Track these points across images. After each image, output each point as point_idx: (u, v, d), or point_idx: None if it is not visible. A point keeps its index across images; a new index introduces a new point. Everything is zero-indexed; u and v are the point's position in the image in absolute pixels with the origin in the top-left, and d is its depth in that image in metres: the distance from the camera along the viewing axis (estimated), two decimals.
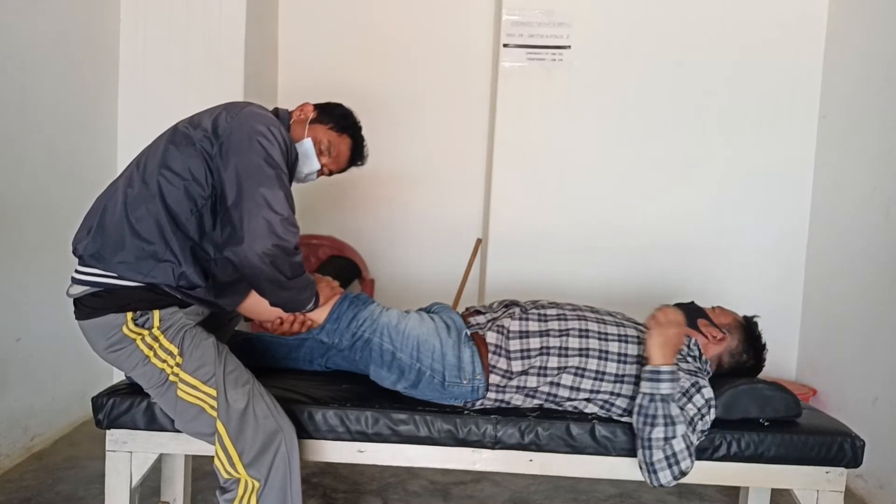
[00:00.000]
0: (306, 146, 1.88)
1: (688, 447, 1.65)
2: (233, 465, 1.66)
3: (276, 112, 1.89)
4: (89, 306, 1.68)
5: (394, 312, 1.91)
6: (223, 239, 1.68)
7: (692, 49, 3.48)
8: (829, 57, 3.39)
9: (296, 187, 1.81)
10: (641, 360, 1.81)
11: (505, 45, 3.52)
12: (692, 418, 1.70)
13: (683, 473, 1.65)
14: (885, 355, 2.68)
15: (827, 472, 1.81)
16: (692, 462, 1.65)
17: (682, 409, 1.70)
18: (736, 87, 3.47)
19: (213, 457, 1.69)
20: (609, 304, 2.29)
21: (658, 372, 1.68)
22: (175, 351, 1.69)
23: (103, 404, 1.80)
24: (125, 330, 1.67)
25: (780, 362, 3.41)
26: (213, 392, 1.68)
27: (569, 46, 3.49)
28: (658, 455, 1.64)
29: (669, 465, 1.63)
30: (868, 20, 3.07)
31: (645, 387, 1.69)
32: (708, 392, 1.74)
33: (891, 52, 2.84)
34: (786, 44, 3.44)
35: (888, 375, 2.65)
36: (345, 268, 3.70)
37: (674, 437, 1.63)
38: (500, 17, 3.56)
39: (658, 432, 1.64)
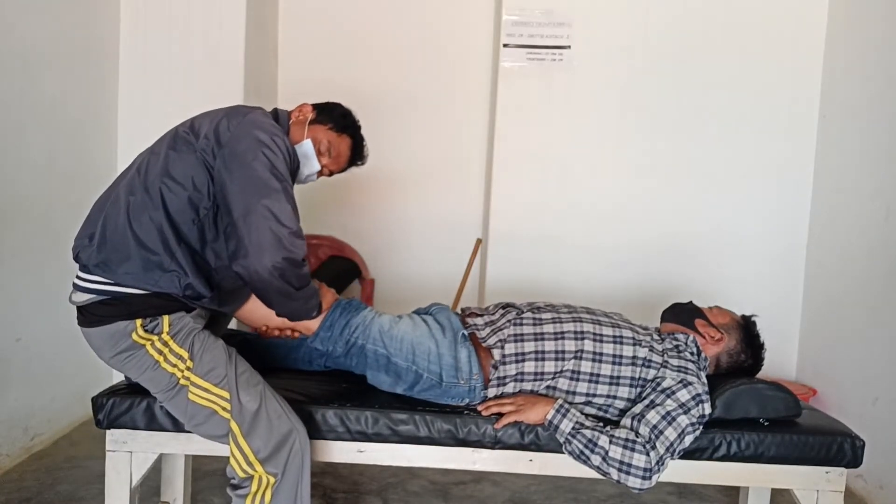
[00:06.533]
0: (306, 147, 1.86)
1: (625, 446, 1.66)
2: (249, 463, 1.67)
3: (275, 113, 1.87)
4: (97, 314, 1.67)
5: (385, 318, 1.91)
6: (230, 252, 1.68)
7: (692, 49, 3.48)
8: (829, 57, 3.39)
9: (295, 186, 1.81)
10: (637, 362, 1.82)
11: (505, 45, 3.53)
12: (669, 413, 1.70)
13: (647, 470, 1.64)
14: (885, 355, 2.68)
15: (827, 472, 1.81)
16: (646, 454, 1.65)
17: (643, 416, 1.71)
18: (736, 87, 3.47)
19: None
20: (609, 304, 2.29)
21: (549, 423, 1.75)
22: (185, 355, 1.69)
23: (103, 404, 1.80)
24: (135, 336, 1.67)
25: (780, 362, 3.41)
26: (226, 394, 1.68)
27: (569, 46, 3.49)
28: (613, 473, 1.67)
29: (629, 473, 1.65)
30: (868, 20, 3.06)
31: (556, 436, 1.75)
32: (696, 388, 1.74)
33: (891, 51, 2.84)
34: (786, 44, 3.44)
35: (888, 375, 2.65)
36: (345, 268, 3.70)
37: (606, 451, 1.67)
38: (500, 17, 3.56)
39: (595, 460, 1.68)
